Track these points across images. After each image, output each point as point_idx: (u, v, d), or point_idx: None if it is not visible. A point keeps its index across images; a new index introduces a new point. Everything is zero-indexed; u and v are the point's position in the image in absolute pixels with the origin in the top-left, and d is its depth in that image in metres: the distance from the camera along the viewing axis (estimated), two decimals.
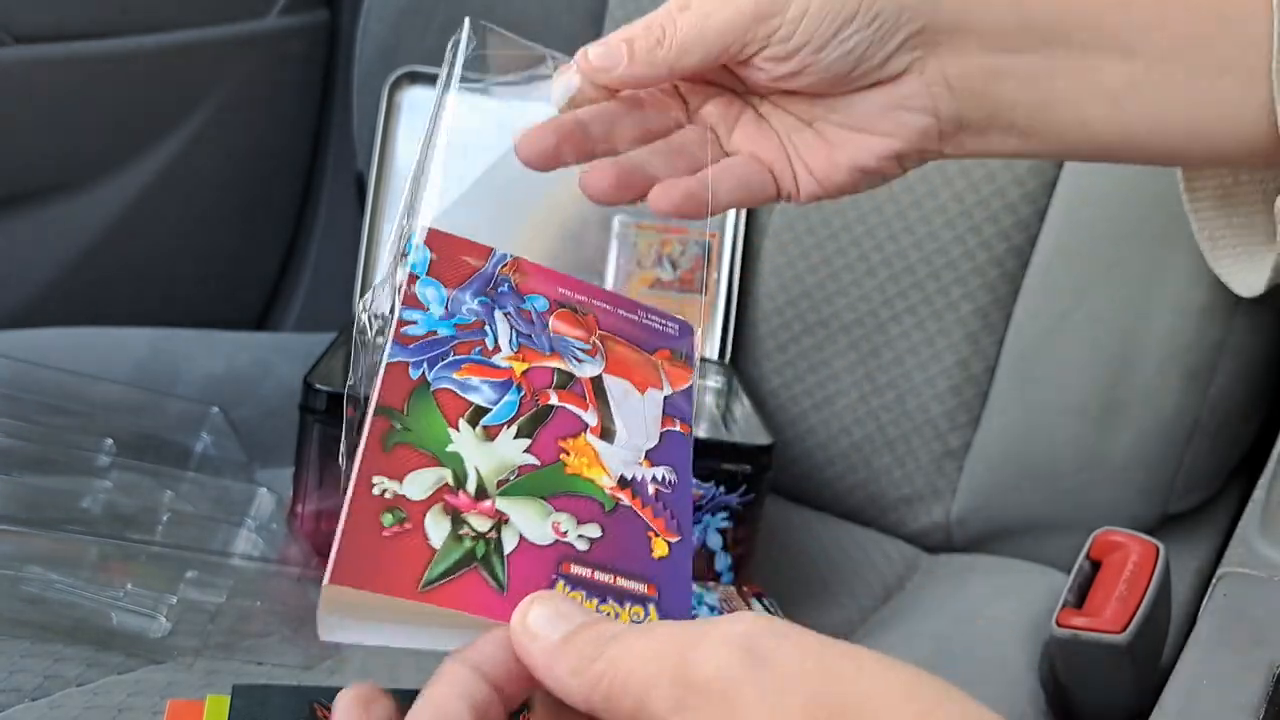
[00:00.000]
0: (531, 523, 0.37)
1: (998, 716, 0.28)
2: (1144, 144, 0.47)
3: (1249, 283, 0.54)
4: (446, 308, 0.41)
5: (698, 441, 0.43)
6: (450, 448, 0.37)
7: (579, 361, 0.42)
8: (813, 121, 0.48)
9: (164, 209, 1.10)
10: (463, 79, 0.45)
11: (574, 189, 0.50)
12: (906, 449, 0.85)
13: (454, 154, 0.50)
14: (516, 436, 0.39)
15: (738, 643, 0.29)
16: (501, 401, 0.39)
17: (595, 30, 1.03)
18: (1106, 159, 0.50)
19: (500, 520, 0.36)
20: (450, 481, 0.37)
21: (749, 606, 0.73)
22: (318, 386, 0.77)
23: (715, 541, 0.75)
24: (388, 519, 0.35)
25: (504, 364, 0.40)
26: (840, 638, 0.30)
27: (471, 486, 0.37)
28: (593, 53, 0.46)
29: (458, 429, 0.38)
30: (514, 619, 0.33)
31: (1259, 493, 0.72)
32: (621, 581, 0.38)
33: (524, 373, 0.40)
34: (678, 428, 0.42)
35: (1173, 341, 0.75)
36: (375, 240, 0.94)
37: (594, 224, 0.95)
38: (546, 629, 0.33)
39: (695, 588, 0.77)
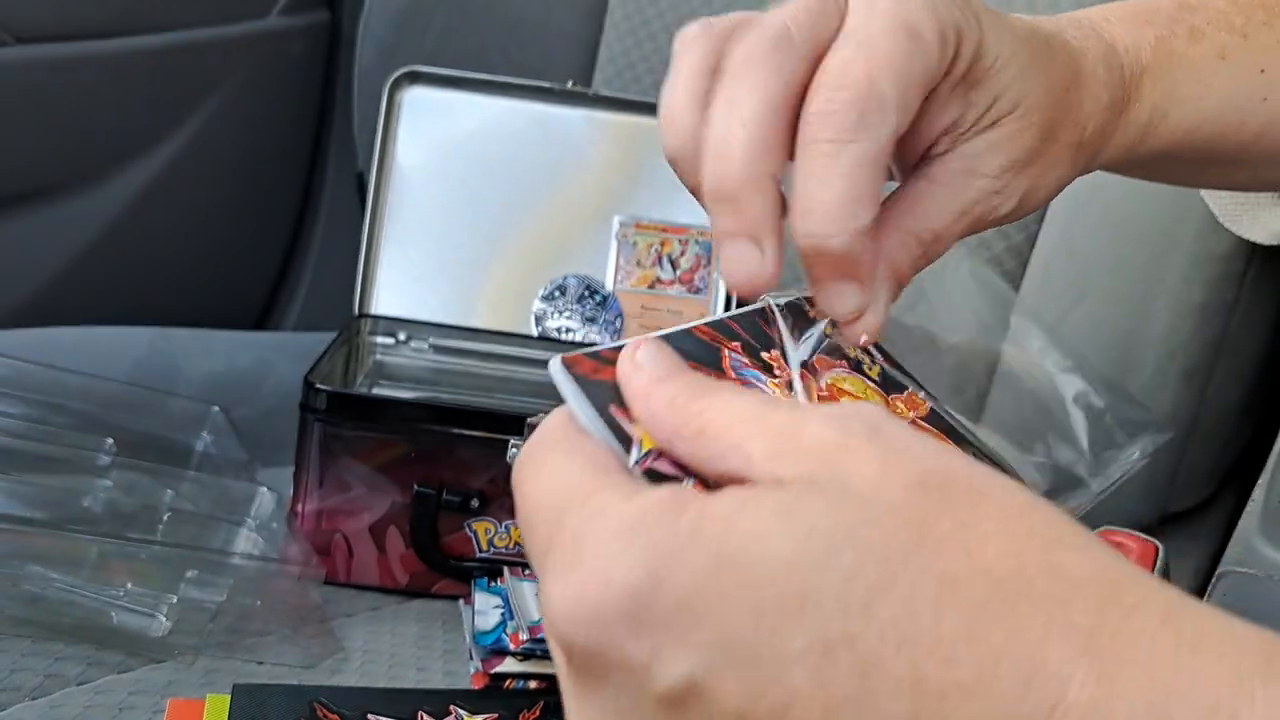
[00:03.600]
0: None
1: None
2: (1226, 188, 0.51)
3: (1273, 228, 0.54)
4: None
5: None
6: None
7: None
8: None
9: (165, 208, 1.10)
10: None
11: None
12: None
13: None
14: None
15: (852, 418, 0.27)
16: None
17: (595, 31, 1.03)
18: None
19: None
20: None
21: None
22: (318, 386, 0.77)
23: None
24: None
25: None
26: None
27: None
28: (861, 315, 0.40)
29: None
30: (623, 353, 0.32)
31: (1258, 492, 0.72)
32: None
33: None
34: None
35: (1170, 341, 0.75)
36: (375, 240, 0.94)
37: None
38: (650, 363, 0.31)
39: None
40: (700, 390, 0.29)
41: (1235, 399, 0.77)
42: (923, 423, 0.38)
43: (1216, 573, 0.68)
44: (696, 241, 0.94)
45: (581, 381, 0.33)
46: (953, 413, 0.40)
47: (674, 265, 0.94)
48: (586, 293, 0.94)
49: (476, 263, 0.94)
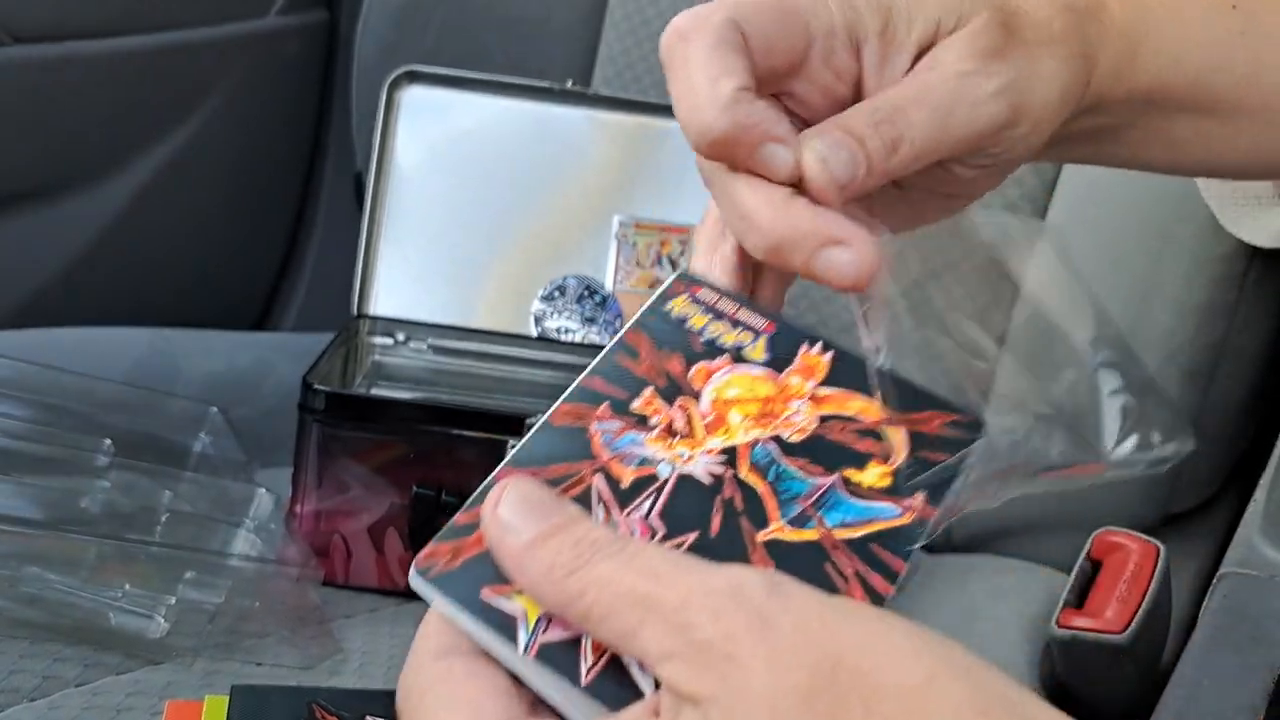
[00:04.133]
0: None
1: (999, 673, 0.27)
2: (1200, 171, 0.49)
3: (1274, 229, 0.53)
4: None
5: None
6: None
7: None
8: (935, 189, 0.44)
9: (163, 208, 1.10)
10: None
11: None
12: None
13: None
14: None
15: (741, 603, 0.27)
16: None
17: (595, 32, 1.03)
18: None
19: None
20: None
21: None
22: (317, 386, 0.77)
23: None
24: None
25: None
26: None
27: None
28: (833, 163, 0.36)
29: None
30: (485, 507, 0.31)
31: (1259, 493, 0.72)
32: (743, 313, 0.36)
33: None
34: None
35: (1171, 342, 0.75)
36: (374, 240, 0.94)
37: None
38: (518, 521, 0.30)
39: None
40: (576, 559, 0.29)
41: (1237, 400, 0.77)
42: (824, 390, 0.35)
43: (1218, 574, 0.68)
44: None
45: (442, 581, 0.32)
46: (862, 353, 0.36)
47: (674, 265, 0.94)
48: (586, 293, 0.94)
49: (475, 263, 0.94)
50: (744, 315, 0.38)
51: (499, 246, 0.94)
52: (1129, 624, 0.63)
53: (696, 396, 0.35)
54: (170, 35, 1.07)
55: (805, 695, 0.26)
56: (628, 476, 0.33)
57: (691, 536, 0.32)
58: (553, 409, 0.35)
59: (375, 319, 0.94)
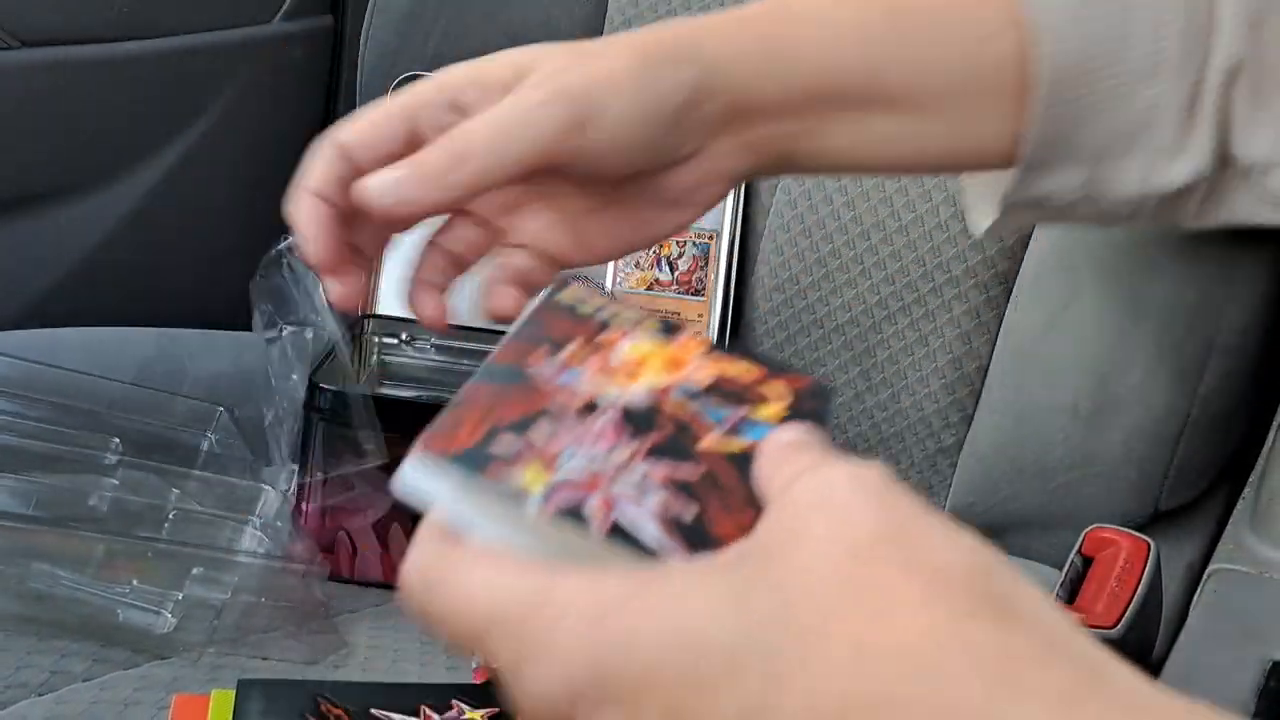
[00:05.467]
0: None
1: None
2: (910, 168, 0.58)
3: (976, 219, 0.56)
4: None
5: None
6: None
7: None
8: (607, 205, 0.48)
9: (169, 211, 1.11)
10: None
11: None
12: (900, 446, 0.85)
13: None
14: None
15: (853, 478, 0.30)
16: None
17: (594, 37, 1.04)
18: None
19: None
20: None
21: None
22: (322, 386, 0.78)
23: None
24: None
25: None
26: None
27: None
28: (372, 184, 0.44)
29: None
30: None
31: (1249, 490, 0.73)
32: None
33: None
34: None
35: (1163, 340, 0.76)
36: None
37: None
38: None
39: None
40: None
41: (1227, 398, 0.78)
42: (711, 354, 0.40)
43: (1208, 570, 0.69)
44: (694, 243, 0.94)
45: (444, 466, 0.33)
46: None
47: (672, 267, 0.95)
48: None
49: (479, 263, 0.94)
50: (623, 305, 0.43)
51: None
52: (1120, 619, 0.63)
53: (612, 350, 0.39)
54: (175, 40, 1.08)
55: (843, 559, 0.28)
56: (577, 401, 0.37)
57: (651, 439, 0.35)
58: (493, 353, 0.39)
59: (380, 318, 0.94)
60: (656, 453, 0.35)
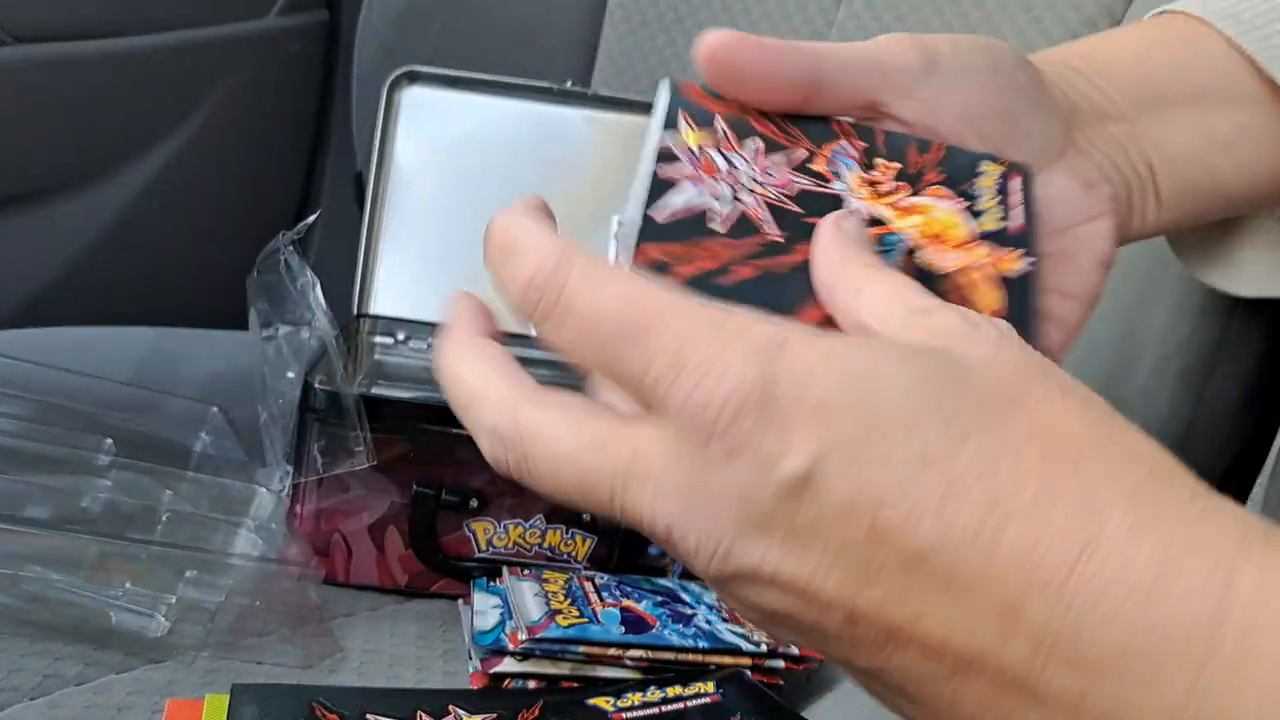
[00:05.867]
0: None
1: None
2: (1264, 186, 0.50)
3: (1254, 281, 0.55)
4: None
5: None
6: None
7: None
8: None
9: (164, 208, 1.10)
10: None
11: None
12: None
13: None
14: None
15: (981, 321, 0.32)
16: None
17: (594, 31, 1.03)
18: (1235, 213, 0.53)
19: None
20: None
21: None
22: (317, 386, 0.77)
23: None
24: None
25: None
26: None
27: None
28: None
29: None
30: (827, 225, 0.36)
31: (1257, 491, 0.72)
32: None
33: None
34: None
35: (1169, 342, 0.75)
36: (375, 239, 0.94)
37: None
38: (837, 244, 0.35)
39: (694, 588, 0.77)
40: (866, 261, 0.35)
41: (1234, 399, 0.77)
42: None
43: None
44: None
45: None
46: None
47: None
48: None
49: (476, 262, 0.93)
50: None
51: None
52: None
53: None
54: (171, 35, 1.07)
55: (1017, 367, 0.31)
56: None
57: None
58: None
59: (376, 318, 0.94)
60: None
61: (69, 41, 1.02)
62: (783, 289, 0.36)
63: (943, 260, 0.38)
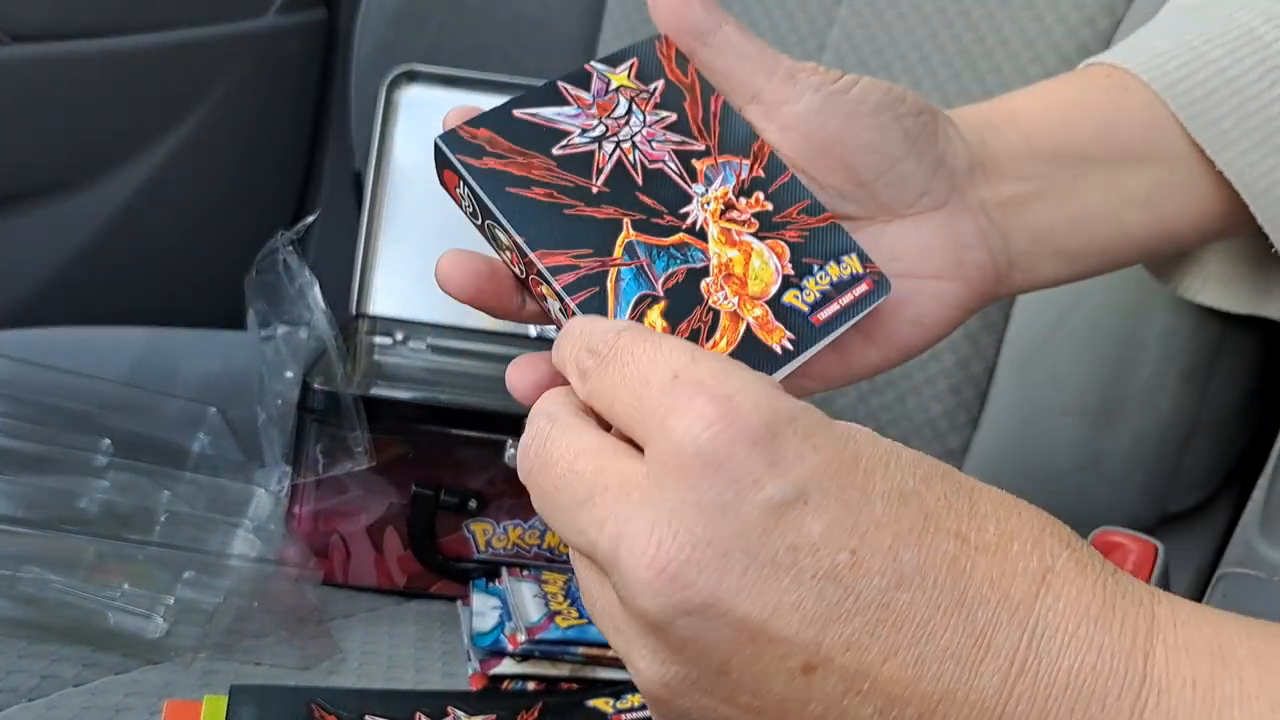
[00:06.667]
0: None
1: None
2: (1183, 237, 0.51)
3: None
4: None
5: None
6: None
7: None
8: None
9: (161, 208, 1.10)
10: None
11: None
12: None
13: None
14: None
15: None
16: None
17: (593, 30, 1.03)
18: (1148, 259, 0.55)
19: None
20: None
21: None
22: (316, 386, 0.77)
23: None
24: None
25: None
26: None
27: None
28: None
29: None
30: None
31: (1258, 492, 0.72)
32: None
33: None
34: None
35: (1170, 342, 0.75)
36: (373, 239, 0.94)
37: None
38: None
39: None
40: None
41: (1235, 399, 0.77)
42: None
43: (1216, 574, 0.68)
44: None
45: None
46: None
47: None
48: None
49: None
50: None
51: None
52: None
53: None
54: (169, 35, 1.07)
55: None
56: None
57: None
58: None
59: (374, 318, 0.93)
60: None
61: (66, 41, 1.02)
62: (555, 229, 0.37)
63: (719, 296, 0.39)
